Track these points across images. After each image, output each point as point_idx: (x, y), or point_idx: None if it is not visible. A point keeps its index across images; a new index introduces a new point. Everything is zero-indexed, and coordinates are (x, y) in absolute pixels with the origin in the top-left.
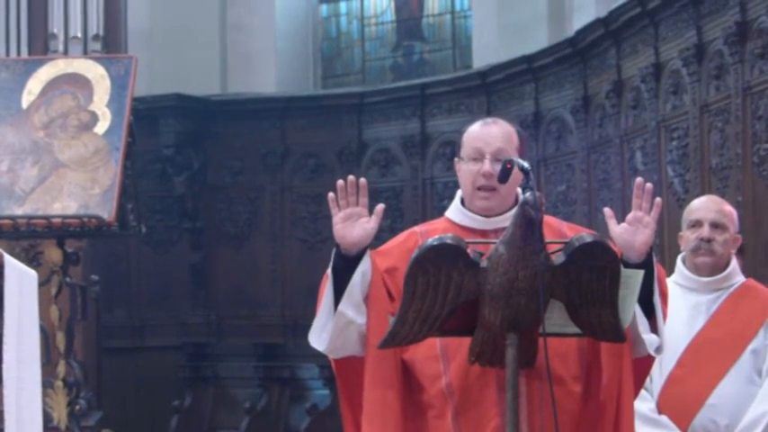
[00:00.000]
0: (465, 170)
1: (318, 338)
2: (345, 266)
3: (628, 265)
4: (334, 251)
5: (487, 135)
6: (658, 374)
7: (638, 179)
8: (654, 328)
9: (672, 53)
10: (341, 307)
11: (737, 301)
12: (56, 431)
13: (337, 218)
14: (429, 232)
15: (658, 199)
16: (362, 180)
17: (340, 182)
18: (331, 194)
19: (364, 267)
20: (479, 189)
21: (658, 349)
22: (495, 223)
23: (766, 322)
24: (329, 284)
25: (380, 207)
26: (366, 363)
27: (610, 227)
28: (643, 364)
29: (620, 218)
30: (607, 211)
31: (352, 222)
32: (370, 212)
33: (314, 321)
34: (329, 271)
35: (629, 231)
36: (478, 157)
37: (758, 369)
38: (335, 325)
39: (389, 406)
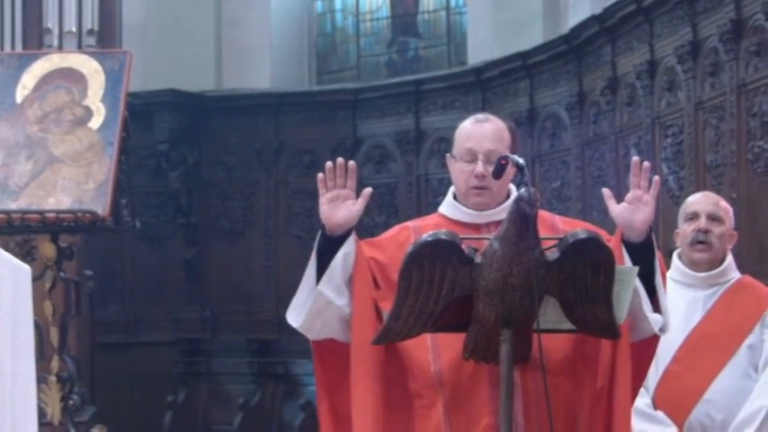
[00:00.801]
0: (458, 169)
1: (297, 316)
2: (330, 248)
3: (629, 245)
4: (319, 232)
5: (479, 135)
6: (654, 370)
7: (635, 158)
8: (656, 308)
9: (667, 50)
10: (320, 287)
11: (734, 296)
12: (49, 426)
13: (324, 198)
14: (421, 227)
15: (656, 177)
16: (351, 163)
17: (329, 163)
18: (320, 175)
19: (347, 249)
20: (473, 188)
21: (663, 328)
22: (487, 217)
23: (762, 318)
24: (311, 264)
25: (368, 190)
26: (351, 353)
27: (609, 207)
28: (648, 345)
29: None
30: (605, 191)
31: (339, 204)
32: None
33: (293, 299)
34: (314, 252)
35: (629, 210)
36: (471, 158)
37: (754, 364)
38: (314, 304)
39: (376, 396)
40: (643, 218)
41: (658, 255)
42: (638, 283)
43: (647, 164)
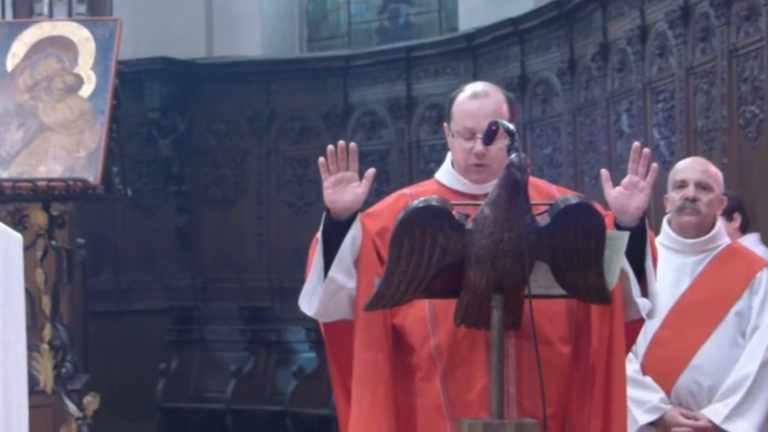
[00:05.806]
0: (457, 146)
1: (308, 303)
2: (335, 231)
3: (620, 229)
4: (324, 216)
5: (478, 112)
6: (642, 336)
7: (636, 144)
8: (645, 293)
9: (658, 15)
10: (331, 272)
11: (722, 262)
12: (42, 394)
13: (328, 183)
14: (418, 194)
15: (654, 164)
16: (353, 145)
17: (330, 147)
18: (321, 159)
19: (354, 232)
20: (472, 164)
21: (650, 313)
22: (485, 188)
23: (750, 284)
24: (319, 249)
25: (371, 171)
26: (356, 326)
27: (605, 190)
28: (633, 327)
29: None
30: (604, 173)
31: (343, 187)
32: (360, 177)
33: (304, 286)
34: (319, 235)
35: (625, 195)
36: (470, 136)
37: (742, 331)
38: (326, 290)
39: (379, 369)
40: (637, 204)
41: (650, 238)
42: (628, 268)
43: (646, 150)
